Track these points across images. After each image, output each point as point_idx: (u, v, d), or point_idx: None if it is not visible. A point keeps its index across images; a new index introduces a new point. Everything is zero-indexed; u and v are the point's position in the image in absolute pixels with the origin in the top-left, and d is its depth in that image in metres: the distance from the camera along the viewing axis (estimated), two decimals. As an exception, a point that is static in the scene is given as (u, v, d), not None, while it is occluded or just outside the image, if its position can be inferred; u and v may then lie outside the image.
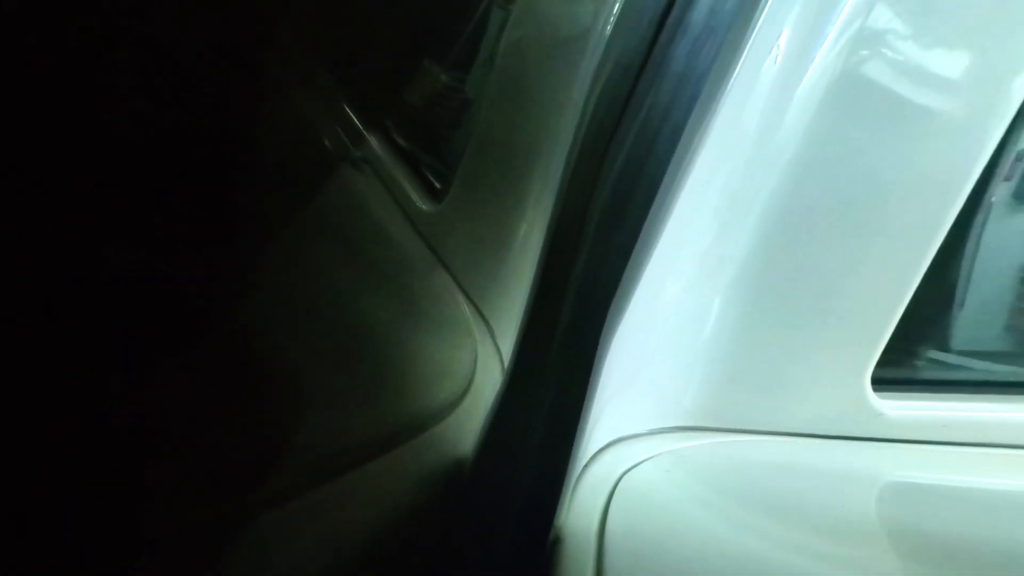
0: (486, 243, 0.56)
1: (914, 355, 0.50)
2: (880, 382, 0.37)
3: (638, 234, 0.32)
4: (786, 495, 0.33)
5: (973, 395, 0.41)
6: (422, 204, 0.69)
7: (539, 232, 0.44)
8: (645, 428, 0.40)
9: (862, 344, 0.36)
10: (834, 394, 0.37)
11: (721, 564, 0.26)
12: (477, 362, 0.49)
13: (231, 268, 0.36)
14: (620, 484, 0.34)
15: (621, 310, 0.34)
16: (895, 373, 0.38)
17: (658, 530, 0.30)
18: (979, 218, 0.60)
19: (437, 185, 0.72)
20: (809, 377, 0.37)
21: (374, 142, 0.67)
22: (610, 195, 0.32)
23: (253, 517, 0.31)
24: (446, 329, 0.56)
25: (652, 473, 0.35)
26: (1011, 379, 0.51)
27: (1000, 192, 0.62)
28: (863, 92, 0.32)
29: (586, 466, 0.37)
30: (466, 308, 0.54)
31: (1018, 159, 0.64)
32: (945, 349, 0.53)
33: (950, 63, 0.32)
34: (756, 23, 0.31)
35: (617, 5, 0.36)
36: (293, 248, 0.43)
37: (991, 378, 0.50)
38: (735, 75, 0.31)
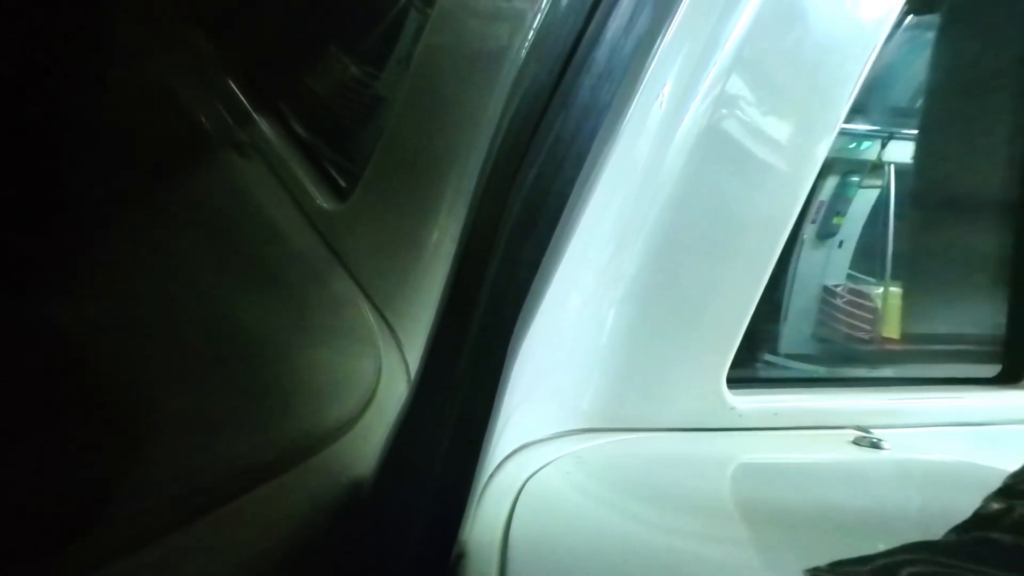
0: (395, 248, 0.53)
1: (754, 358, 0.62)
2: (731, 381, 0.45)
3: (546, 248, 0.34)
4: (665, 484, 0.38)
5: (793, 389, 0.53)
6: (323, 201, 0.63)
7: (451, 240, 0.44)
8: (548, 432, 0.42)
9: (721, 350, 0.43)
10: (700, 392, 0.44)
11: (614, 557, 0.29)
12: (381, 373, 0.46)
13: (51, 261, 0.28)
14: (524, 490, 0.35)
15: (528, 321, 0.35)
16: (741, 373, 0.47)
17: (559, 532, 0.32)
18: (795, 251, 0.79)
19: (342, 183, 0.67)
20: (682, 379, 0.43)
21: (266, 127, 0.59)
22: (521, 210, 0.33)
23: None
24: (346, 338, 0.51)
25: (554, 476, 0.36)
26: (818, 376, 0.66)
27: (808, 231, 0.82)
28: (722, 143, 0.40)
29: (492, 475, 0.37)
30: (370, 316, 0.51)
31: (819, 207, 0.86)
32: (775, 353, 0.68)
33: (778, 128, 0.41)
34: (647, 72, 0.36)
35: (532, 32, 0.38)
36: (148, 241, 0.36)
37: (804, 375, 0.65)
38: (629, 114, 0.36)
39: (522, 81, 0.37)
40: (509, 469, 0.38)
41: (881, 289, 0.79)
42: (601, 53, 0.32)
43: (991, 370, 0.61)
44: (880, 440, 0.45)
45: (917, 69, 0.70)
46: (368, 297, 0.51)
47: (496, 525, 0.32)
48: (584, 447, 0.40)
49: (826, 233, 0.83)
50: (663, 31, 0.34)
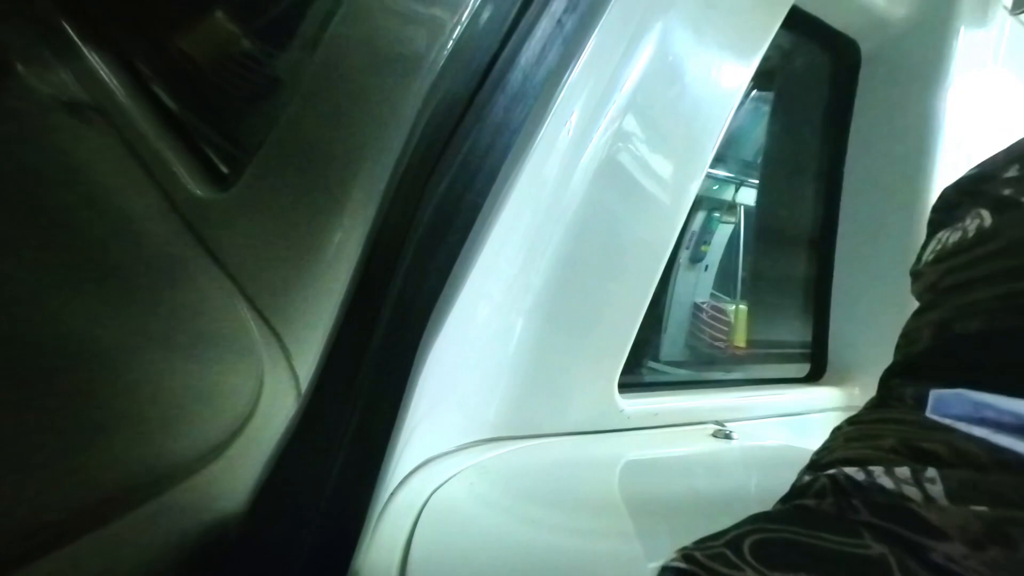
0: (288, 247, 0.47)
1: (639, 364, 0.70)
2: (620, 386, 0.50)
3: (456, 257, 0.34)
4: (563, 487, 0.40)
5: (668, 391, 0.60)
6: (196, 188, 0.54)
7: (356, 244, 0.41)
8: (454, 444, 0.41)
9: (614, 357, 0.48)
10: (595, 398, 0.47)
11: (515, 566, 0.29)
12: (263, 389, 0.40)
13: None
14: (427, 507, 0.33)
15: (436, 330, 0.34)
16: (628, 379, 0.52)
17: (461, 549, 0.31)
18: (672, 272, 0.92)
19: (223, 168, 0.58)
20: (580, 385, 0.46)
21: (119, 89, 0.49)
22: (433, 217, 0.33)
23: None
24: (218, 349, 0.44)
25: (458, 489, 0.36)
26: (687, 379, 0.77)
27: (682, 256, 0.97)
28: (618, 173, 0.44)
29: (393, 493, 0.35)
30: (251, 323, 0.44)
31: (691, 236, 1.01)
32: (656, 359, 0.77)
33: (663, 166, 0.48)
34: (556, 101, 0.38)
35: (450, 43, 0.38)
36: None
37: (676, 379, 0.75)
38: (539, 137, 0.38)
39: (438, 90, 0.37)
40: (412, 485, 0.36)
41: (734, 306, 0.95)
42: (515, 76, 0.33)
43: (805, 369, 0.78)
44: (731, 432, 0.54)
45: (760, 132, 0.89)
46: (250, 301, 0.45)
47: (394, 547, 0.30)
48: (488, 457, 0.40)
49: (696, 258, 0.99)
50: (571, 66, 0.37)
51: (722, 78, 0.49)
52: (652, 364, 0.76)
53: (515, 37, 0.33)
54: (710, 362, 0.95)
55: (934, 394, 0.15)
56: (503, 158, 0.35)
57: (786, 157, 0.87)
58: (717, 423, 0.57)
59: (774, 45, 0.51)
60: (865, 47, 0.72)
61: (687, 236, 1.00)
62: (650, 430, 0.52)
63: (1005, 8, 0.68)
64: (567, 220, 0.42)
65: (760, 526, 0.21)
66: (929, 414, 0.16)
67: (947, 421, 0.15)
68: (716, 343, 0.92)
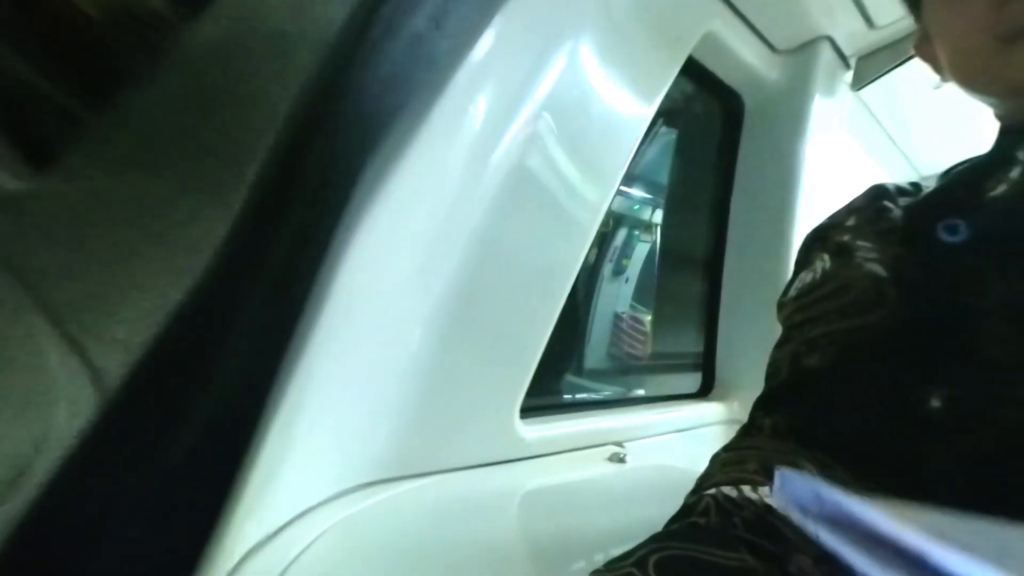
0: (117, 248, 0.37)
1: (554, 380, 0.68)
2: (522, 410, 0.47)
3: (324, 256, 0.28)
4: (456, 530, 0.35)
5: (567, 414, 0.58)
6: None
7: (209, 242, 0.33)
8: (329, 492, 0.34)
9: (517, 382, 0.44)
10: (496, 426, 0.44)
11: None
12: (51, 431, 0.29)
13: None
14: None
15: (304, 349, 0.28)
16: (532, 402, 0.50)
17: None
18: (596, 285, 0.94)
19: (36, 151, 0.45)
20: (479, 413, 0.42)
21: None
22: (302, 218, 0.27)
23: None
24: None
25: (328, 550, 0.29)
26: (588, 400, 0.76)
27: (606, 269, 1.00)
28: (528, 181, 0.43)
29: (237, 566, 0.27)
30: (48, 344, 0.33)
31: (614, 251, 1.05)
32: (579, 373, 0.76)
33: (574, 176, 0.48)
34: (445, 89, 0.34)
35: (329, 25, 0.34)
36: None
37: (575, 401, 0.75)
38: (427, 124, 0.33)
39: (312, 72, 0.31)
40: (268, 553, 0.28)
41: (650, 316, 1.01)
42: (389, 60, 0.30)
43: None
44: (624, 455, 0.54)
45: (670, 161, 0.97)
46: (50, 316, 0.33)
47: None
48: (371, 503, 0.34)
49: (618, 271, 1.04)
50: (462, 60, 0.34)
51: (628, 104, 0.51)
52: (572, 378, 0.76)
53: (391, 23, 0.30)
54: (625, 372, 0.98)
55: (779, 473, 0.16)
56: (376, 142, 0.30)
57: (685, 189, 0.96)
58: (616, 443, 0.57)
59: (679, 89, 0.55)
60: (748, 101, 0.83)
61: (611, 250, 1.04)
62: (549, 457, 0.49)
63: (847, 84, 0.84)
64: (471, 227, 0.39)
65: (662, 544, 0.24)
66: (774, 493, 0.17)
67: (790, 509, 0.15)
68: (634, 352, 0.96)
